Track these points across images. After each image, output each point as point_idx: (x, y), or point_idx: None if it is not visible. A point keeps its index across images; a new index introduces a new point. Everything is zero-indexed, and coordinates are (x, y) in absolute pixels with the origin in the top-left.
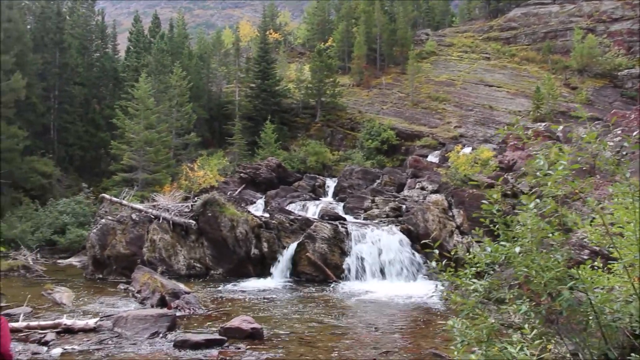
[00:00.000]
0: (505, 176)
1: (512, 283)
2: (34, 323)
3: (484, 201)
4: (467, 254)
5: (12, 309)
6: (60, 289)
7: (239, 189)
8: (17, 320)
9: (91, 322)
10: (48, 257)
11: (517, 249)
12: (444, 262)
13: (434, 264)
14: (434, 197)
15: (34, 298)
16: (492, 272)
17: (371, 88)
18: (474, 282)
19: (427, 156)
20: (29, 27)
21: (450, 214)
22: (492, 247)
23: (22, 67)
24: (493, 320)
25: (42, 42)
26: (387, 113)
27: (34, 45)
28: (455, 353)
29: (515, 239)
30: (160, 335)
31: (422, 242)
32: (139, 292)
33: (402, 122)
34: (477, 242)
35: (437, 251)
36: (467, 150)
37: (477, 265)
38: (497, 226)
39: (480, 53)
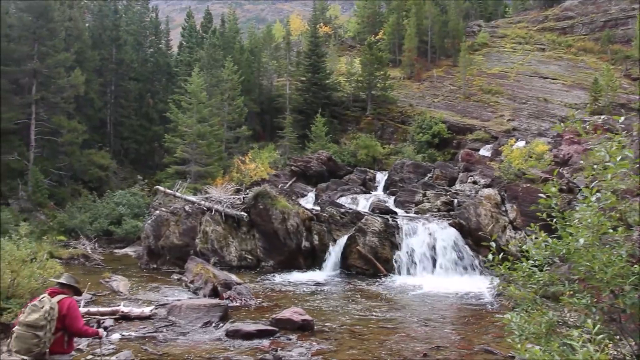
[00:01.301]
0: (560, 171)
1: (571, 278)
2: (93, 309)
3: (541, 195)
4: (521, 249)
5: (75, 296)
6: (117, 277)
7: (290, 182)
8: (79, 306)
9: (147, 310)
10: (105, 247)
11: (581, 241)
12: (500, 256)
13: (490, 256)
14: (486, 191)
15: (93, 285)
16: (549, 266)
17: (422, 81)
18: (533, 271)
19: (479, 150)
20: (87, 25)
21: (503, 208)
22: (551, 241)
23: (81, 63)
24: (552, 315)
25: (99, 39)
26: (439, 106)
27: (92, 42)
28: (518, 346)
29: (574, 234)
30: (213, 324)
31: (474, 236)
32: (191, 282)
33: (454, 115)
34: (531, 237)
35: (493, 244)
36: (521, 143)
37: (535, 259)
38: (554, 220)
39: (534, 44)
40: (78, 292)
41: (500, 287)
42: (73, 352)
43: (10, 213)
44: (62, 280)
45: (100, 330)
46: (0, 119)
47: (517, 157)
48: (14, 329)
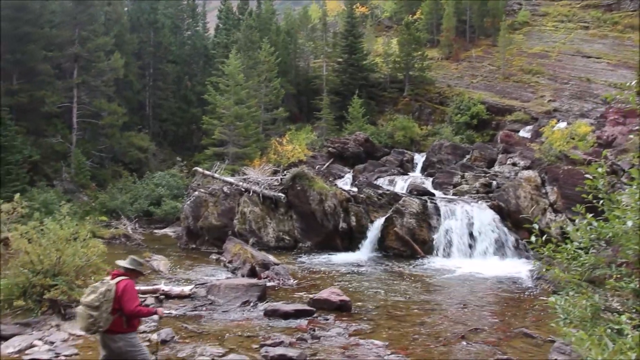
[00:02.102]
0: (604, 152)
1: (617, 261)
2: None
3: (587, 175)
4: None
5: None
6: (157, 257)
7: (327, 163)
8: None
9: (186, 289)
10: (145, 227)
11: (629, 223)
12: (542, 239)
13: (533, 238)
14: (526, 173)
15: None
16: (595, 249)
17: (460, 61)
18: (578, 254)
19: (518, 131)
20: (126, 9)
21: (544, 191)
22: (597, 224)
23: (120, 47)
24: (598, 299)
25: (138, 22)
26: (477, 87)
27: (130, 26)
28: (563, 330)
29: (621, 216)
30: (251, 304)
31: (513, 219)
32: (230, 262)
33: (493, 96)
34: (572, 220)
35: (536, 226)
36: (562, 125)
37: (580, 241)
38: (601, 202)
39: (577, 22)
40: (140, 274)
41: (544, 270)
42: (134, 333)
43: (54, 194)
44: (124, 264)
45: (159, 309)
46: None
47: (559, 139)
48: (78, 307)
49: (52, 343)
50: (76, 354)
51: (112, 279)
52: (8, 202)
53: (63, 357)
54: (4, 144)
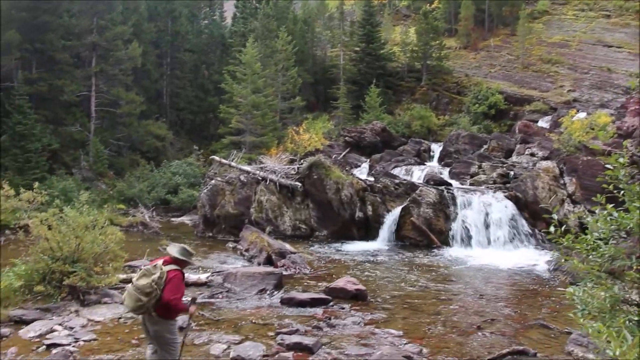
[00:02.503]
0: (624, 143)
1: (639, 253)
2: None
3: (608, 165)
4: (580, 223)
5: (134, 262)
6: (174, 244)
7: (344, 153)
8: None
9: (203, 276)
10: (162, 215)
11: None
12: (561, 229)
13: (552, 228)
14: (544, 163)
15: (152, 252)
16: (615, 240)
17: (479, 50)
18: (598, 245)
19: (537, 121)
20: None
21: (562, 181)
22: (618, 214)
23: (138, 36)
24: (617, 290)
25: (155, 11)
26: (495, 76)
27: (148, 15)
28: (581, 321)
29: None
30: (268, 292)
31: (530, 210)
32: (246, 250)
33: (511, 85)
34: (591, 211)
35: (555, 216)
36: (582, 115)
37: (601, 232)
38: (622, 193)
39: (599, 10)
40: (189, 264)
41: (562, 260)
42: (174, 321)
43: (73, 182)
44: (175, 252)
45: (192, 307)
46: None
47: (578, 129)
48: (127, 286)
49: (71, 328)
50: (95, 339)
51: (164, 264)
52: (28, 190)
53: (82, 342)
54: (24, 132)
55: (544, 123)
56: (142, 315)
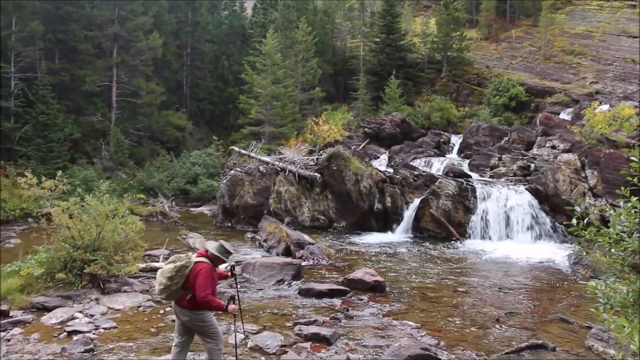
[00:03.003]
0: None
1: None
2: None
3: (633, 158)
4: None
5: (153, 251)
6: (193, 234)
7: (363, 144)
8: (158, 261)
9: (222, 266)
10: (182, 205)
11: None
12: (584, 222)
13: (574, 221)
14: (565, 156)
15: (171, 242)
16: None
17: (500, 42)
18: (621, 237)
19: (558, 114)
20: None
21: (583, 174)
22: None
23: (158, 27)
24: None
25: (176, 2)
26: (517, 68)
27: (168, 5)
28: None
29: None
30: (286, 282)
31: (551, 202)
32: (265, 240)
33: (533, 77)
34: (613, 205)
35: (578, 208)
36: (605, 107)
37: (624, 224)
38: None
39: (624, 0)
40: (223, 262)
41: (584, 254)
42: (204, 311)
43: (94, 171)
44: (211, 248)
45: (231, 306)
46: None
47: (600, 121)
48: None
49: (92, 316)
50: (114, 327)
51: (198, 256)
52: (50, 179)
53: (102, 330)
54: (47, 122)
55: (565, 115)
56: (173, 304)
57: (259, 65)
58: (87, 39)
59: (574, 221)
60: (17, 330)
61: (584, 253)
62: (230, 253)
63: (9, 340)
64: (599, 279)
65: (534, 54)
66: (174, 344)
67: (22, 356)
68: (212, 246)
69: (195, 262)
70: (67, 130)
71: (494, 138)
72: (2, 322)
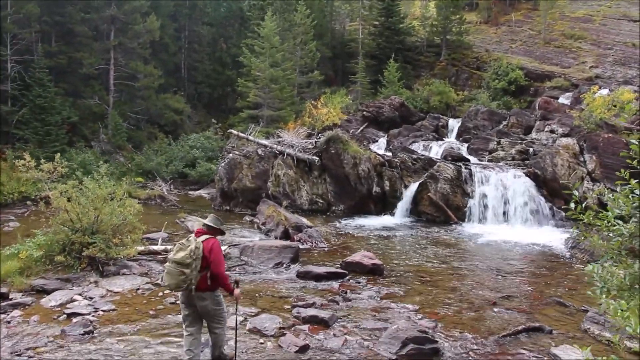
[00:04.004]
0: None
1: None
2: (170, 247)
3: (633, 141)
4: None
5: (152, 234)
6: (192, 217)
7: (362, 127)
8: (157, 244)
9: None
10: (180, 189)
11: None
12: (582, 206)
13: (572, 204)
14: (564, 140)
15: (170, 225)
16: (636, 218)
17: (499, 25)
18: (619, 224)
19: (558, 98)
20: None
21: (582, 159)
22: None
23: (156, 9)
24: (637, 268)
25: None
26: (516, 52)
27: None
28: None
29: None
30: (284, 265)
31: (549, 187)
32: (263, 224)
33: (532, 61)
34: (612, 189)
35: (576, 192)
36: (604, 92)
37: (622, 209)
38: None
39: None
40: (222, 233)
41: (582, 238)
42: (219, 291)
43: (92, 155)
44: (207, 222)
45: (237, 291)
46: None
47: (600, 106)
48: (166, 264)
49: (91, 298)
50: (113, 310)
51: (197, 236)
52: (49, 162)
53: (101, 312)
54: (44, 105)
55: (564, 100)
56: (184, 293)
57: (257, 48)
58: (83, 22)
59: (572, 205)
60: (17, 313)
61: (582, 237)
62: (222, 223)
63: (9, 322)
64: (597, 262)
65: (533, 38)
66: (186, 333)
67: (23, 338)
68: (210, 220)
69: (203, 241)
70: (64, 114)
71: (493, 122)
72: (2, 304)
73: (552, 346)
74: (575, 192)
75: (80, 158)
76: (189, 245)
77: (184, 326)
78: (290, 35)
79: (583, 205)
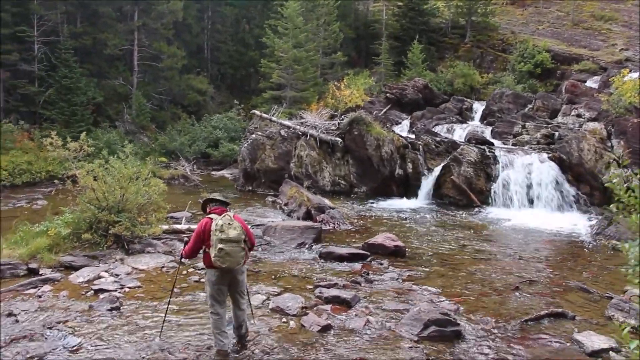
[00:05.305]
0: None
1: None
2: (194, 226)
3: None
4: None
5: (176, 213)
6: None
7: (385, 109)
8: (180, 223)
9: None
10: (203, 169)
11: None
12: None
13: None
14: (591, 125)
15: (193, 204)
16: None
17: (526, 6)
18: None
19: (585, 81)
20: None
21: (609, 144)
22: None
23: None
24: None
25: None
26: (543, 34)
27: None
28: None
29: None
30: (306, 246)
31: (574, 172)
32: (286, 204)
33: (559, 44)
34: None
35: (610, 174)
36: (634, 75)
37: None
38: None
39: None
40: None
41: (619, 217)
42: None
43: (117, 135)
44: (221, 199)
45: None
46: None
47: (629, 90)
48: (221, 246)
49: (117, 275)
50: (139, 287)
51: (222, 214)
52: (75, 141)
53: (127, 289)
54: (70, 85)
55: (592, 83)
56: (222, 271)
57: (280, 28)
58: (108, 2)
59: (614, 181)
60: (47, 288)
61: (620, 216)
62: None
63: (40, 296)
64: (632, 240)
65: (561, 20)
66: (217, 316)
67: (54, 312)
68: (221, 197)
69: (233, 216)
70: (89, 94)
71: (518, 105)
72: (33, 279)
73: (575, 332)
74: (606, 177)
75: (105, 138)
76: (232, 223)
77: (215, 308)
78: (314, 16)
79: (625, 185)
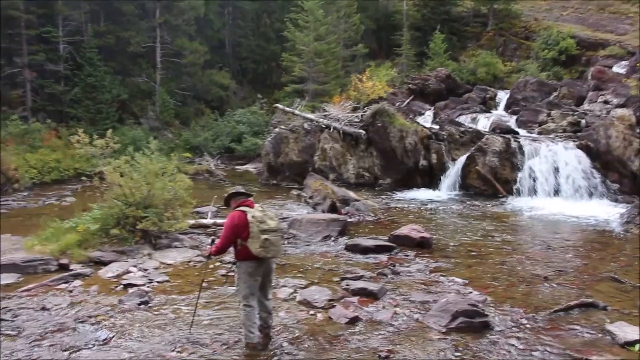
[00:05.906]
0: None
1: None
2: (220, 221)
3: None
4: None
5: (201, 208)
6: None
7: (408, 100)
8: (206, 218)
9: None
10: (227, 163)
11: None
12: None
13: None
14: (619, 111)
15: (218, 199)
16: None
17: None
18: None
19: (612, 67)
20: None
21: (638, 131)
22: None
23: None
24: None
25: None
26: (567, 20)
27: None
28: None
29: None
30: (332, 238)
31: (602, 160)
32: (310, 197)
33: (585, 29)
34: None
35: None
36: None
37: None
38: None
39: None
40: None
41: None
42: None
43: (142, 131)
44: (246, 191)
45: None
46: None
47: None
48: (266, 236)
49: (145, 270)
50: (167, 281)
51: (252, 206)
52: (101, 138)
53: (155, 283)
54: (95, 84)
55: (619, 69)
56: (258, 262)
57: (301, 22)
58: (130, 0)
59: None
60: (77, 283)
61: None
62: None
63: (71, 291)
64: None
65: (586, 4)
66: (249, 308)
67: (85, 306)
68: (245, 190)
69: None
70: (114, 92)
71: (543, 93)
72: (64, 274)
73: (606, 323)
74: (635, 165)
75: (131, 134)
76: (267, 214)
77: (249, 300)
78: (334, 8)
79: None
